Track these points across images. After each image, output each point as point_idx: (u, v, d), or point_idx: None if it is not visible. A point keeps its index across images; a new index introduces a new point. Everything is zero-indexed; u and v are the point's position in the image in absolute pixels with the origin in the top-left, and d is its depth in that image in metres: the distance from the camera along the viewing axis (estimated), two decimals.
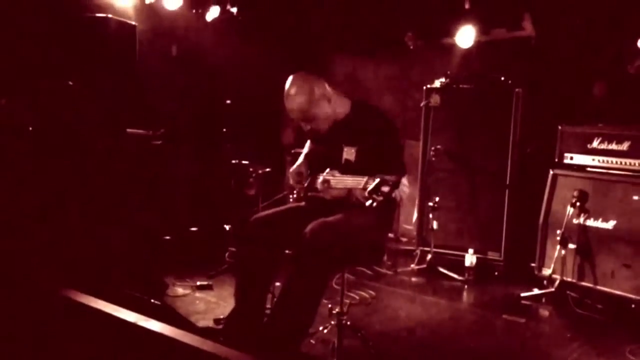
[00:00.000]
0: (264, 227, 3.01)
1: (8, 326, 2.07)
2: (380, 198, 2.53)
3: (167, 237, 4.97)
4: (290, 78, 3.01)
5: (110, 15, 4.30)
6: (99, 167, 4.11)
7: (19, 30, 4.22)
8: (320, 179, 2.90)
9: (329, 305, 3.24)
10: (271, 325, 2.82)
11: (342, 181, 2.76)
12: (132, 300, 2.15)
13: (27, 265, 3.02)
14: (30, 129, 4.06)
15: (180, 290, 4.19)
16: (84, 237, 3.83)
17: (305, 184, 3.16)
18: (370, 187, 2.54)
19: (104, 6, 4.58)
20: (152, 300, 2.81)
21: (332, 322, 3.18)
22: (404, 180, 2.74)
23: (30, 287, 2.23)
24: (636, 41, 4.87)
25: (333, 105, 3.03)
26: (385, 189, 2.52)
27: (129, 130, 4.55)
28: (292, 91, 2.97)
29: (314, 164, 3.16)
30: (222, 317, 3.50)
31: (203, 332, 2.30)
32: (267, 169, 4.64)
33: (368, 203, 2.57)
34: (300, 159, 3.30)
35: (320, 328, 3.27)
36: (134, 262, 4.03)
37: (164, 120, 5.13)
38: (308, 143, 3.41)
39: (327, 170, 2.94)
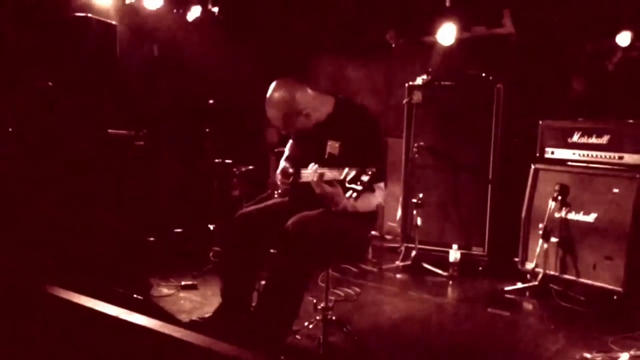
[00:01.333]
0: (249, 222, 3.01)
1: None
2: (360, 187, 2.53)
3: (151, 239, 4.94)
4: (273, 85, 3.01)
5: (90, 15, 4.26)
6: (80, 168, 4.08)
7: None
8: (309, 171, 2.90)
9: (314, 301, 3.24)
10: (255, 319, 2.81)
11: (324, 174, 2.77)
12: (114, 296, 2.13)
13: (11, 264, 3.00)
14: (10, 130, 4.03)
15: (164, 290, 4.17)
16: (67, 238, 3.80)
17: (290, 180, 3.16)
18: (350, 177, 2.55)
19: (84, 6, 4.54)
20: (135, 296, 2.79)
21: (318, 317, 3.18)
22: (381, 185, 2.77)
23: (14, 285, 2.21)
24: (614, 37, 4.94)
25: (315, 111, 3.02)
26: (365, 178, 2.52)
27: (110, 130, 4.52)
28: (273, 99, 2.98)
29: (298, 160, 3.17)
30: (207, 315, 3.47)
31: (187, 326, 2.29)
32: (250, 167, 4.63)
33: (348, 194, 2.58)
34: (282, 162, 3.30)
35: (306, 324, 3.27)
36: (117, 263, 3.99)
37: (146, 121, 5.10)
38: (289, 144, 3.41)
39: (312, 164, 2.96)
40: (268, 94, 3.00)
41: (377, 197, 2.90)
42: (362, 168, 2.54)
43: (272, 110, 2.99)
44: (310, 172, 2.87)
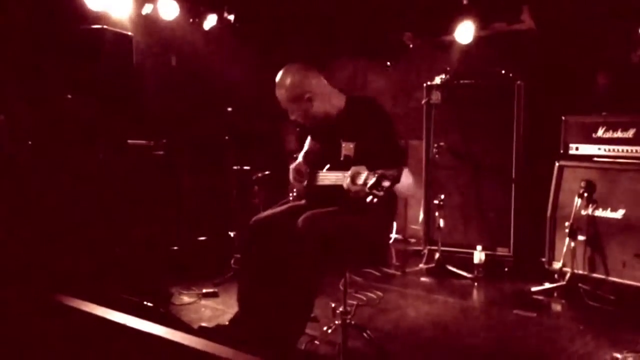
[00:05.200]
0: (263, 228, 2.98)
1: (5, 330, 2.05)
2: (381, 193, 2.48)
3: (175, 248, 4.96)
4: (284, 68, 3.01)
5: (106, 27, 4.30)
6: (101, 178, 4.11)
7: (15, 45, 4.23)
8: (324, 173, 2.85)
9: (333, 305, 3.19)
10: (267, 323, 2.78)
11: (341, 178, 2.73)
12: (124, 304, 2.12)
13: (29, 274, 3.02)
14: (30, 142, 4.08)
15: (185, 299, 4.16)
16: (88, 248, 3.82)
17: (305, 182, 3.13)
18: (371, 182, 2.49)
19: (100, 18, 4.58)
20: (145, 303, 2.78)
21: (337, 322, 3.13)
22: (406, 171, 2.68)
23: (28, 294, 2.22)
24: (637, 29, 4.81)
25: (325, 99, 3.01)
26: (386, 183, 2.47)
27: (130, 141, 4.56)
28: (282, 81, 2.98)
29: (314, 162, 3.14)
30: (224, 323, 3.45)
31: (196, 333, 2.27)
32: (267, 172, 4.61)
33: (369, 199, 2.52)
34: (300, 157, 3.27)
35: (325, 328, 3.22)
36: (138, 273, 4.01)
37: (166, 130, 5.13)
38: (308, 140, 3.38)
39: (327, 166, 2.93)
40: (279, 75, 2.99)
41: (405, 185, 2.79)
42: (383, 173, 2.48)
43: (280, 90, 2.99)
44: (326, 175, 2.85)
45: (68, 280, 2.89)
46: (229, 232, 5.05)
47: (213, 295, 4.23)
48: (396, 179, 2.48)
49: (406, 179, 2.73)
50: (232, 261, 4.69)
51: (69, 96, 4.18)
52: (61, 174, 4.02)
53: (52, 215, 3.84)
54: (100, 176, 4.12)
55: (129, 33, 4.50)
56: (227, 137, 5.19)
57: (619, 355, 3.18)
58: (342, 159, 2.94)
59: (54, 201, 3.85)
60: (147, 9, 5.01)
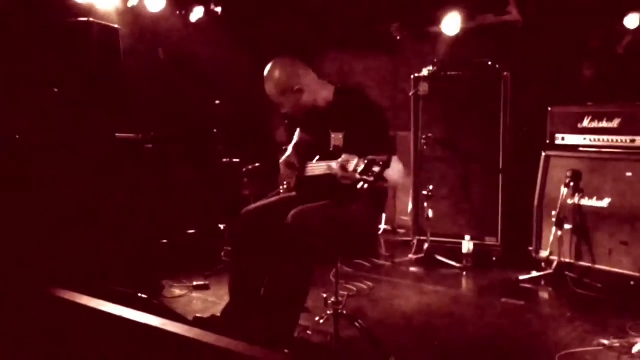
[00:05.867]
0: (254, 219, 2.99)
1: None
2: (372, 179, 2.48)
3: (164, 241, 4.94)
4: (272, 61, 3.02)
5: (92, 19, 4.26)
6: (89, 172, 4.09)
7: None
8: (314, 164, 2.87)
9: (325, 296, 3.21)
10: (261, 315, 2.80)
11: (331, 167, 2.74)
12: (118, 296, 2.12)
13: (22, 268, 3.01)
14: (17, 137, 4.04)
15: (177, 292, 4.17)
16: (78, 241, 3.81)
17: (296, 174, 3.14)
18: (361, 168, 2.50)
19: (86, 10, 4.55)
20: (140, 295, 2.78)
21: (329, 312, 3.15)
22: (395, 158, 2.70)
23: (25, 288, 2.22)
24: (622, 20, 4.86)
25: (314, 90, 3.03)
26: (376, 169, 2.48)
27: (118, 134, 4.53)
28: (270, 74, 2.99)
29: (304, 153, 3.15)
30: (209, 316, 3.46)
31: (192, 323, 2.28)
32: (257, 164, 4.62)
33: (360, 185, 2.53)
34: (290, 150, 3.28)
35: (317, 319, 3.25)
36: (128, 266, 4.00)
37: (154, 123, 5.11)
38: (297, 132, 3.39)
39: (317, 157, 2.94)
40: (266, 69, 3.00)
41: (395, 171, 2.80)
42: (373, 158, 2.49)
43: (268, 84, 3.01)
44: (316, 165, 2.86)
45: (59, 274, 2.89)
46: (219, 225, 5.05)
47: (204, 287, 4.23)
48: (386, 164, 2.48)
49: (396, 165, 2.74)
50: (223, 253, 4.70)
51: (56, 90, 4.15)
52: (48, 168, 3.99)
53: (40, 210, 3.82)
54: (88, 170, 4.10)
55: (116, 26, 4.48)
56: (215, 130, 5.19)
57: (606, 342, 3.23)
58: (331, 149, 2.95)
59: (41, 196, 3.83)
60: (133, 1, 4.98)
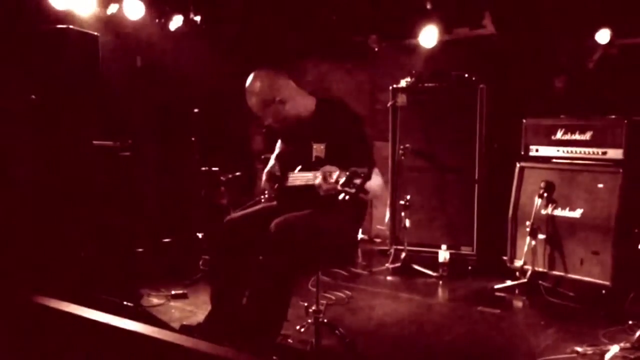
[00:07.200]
0: (236, 228, 3.00)
1: None
2: (353, 191, 2.53)
3: (140, 250, 4.91)
4: (252, 74, 3.04)
5: (71, 26, 4.23)
6: (66, 179, 4.05)
7: None
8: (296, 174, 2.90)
9: (305, 305, 3.23)
10: (243, 323, 2.81)
11: (312, 178, 2.77)
12: (104, 304, 2.12)
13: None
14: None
15: (155, 300, 4.15)
16: (55, 250, 3.76)
17: (277, 184, 3.17)
18: (342, 180, 2.54)
19: (64, 17, 4.51)
20: (125, 303, 2.77)
21: (309, 321, 3.17)
22: (376, 170, 2.75)
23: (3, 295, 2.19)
24: (593, 36, 5.00)
25: (296, 101, 3.06)
26: (358, 181, 2.52)
27: (95, 142, 4.49)
28: (251, 87, 3.02)
29: (286, 163, 3.17)
30: (196, 324, 3.46)
31: (179, 331, 2.28)
32: (237, 173, 4.63)
33: (341, 197, 2.57)
34: (272, 161, 3.30)
35: (298, 327, 3.27)
36: (106, 274, 3.96)
37: (132, 131, 5.08)
38: (279, 144, 3.41)
39: (299, 168, 2.97)
40: (247, 82, 3.02)
41: (376, 184, 2.84)
42: (354, 171, 2.53)
43: (250, 96, 3.03)
44: (297, 175, 2.89)
45: (40, 283, 2.86)
46: (197, 234, 5.04)
47: (182, 296, 4.22)
48: (367, 177, 2.54)
49: (377, 177, 2.80)
50: (201, 262, 4.69)
51: (33, 97, 4.11)
52: (24, 174, 3.95)
53: (16, 217, 3.77)
54: (67, 176, 4.06)
55: (95, 33, 4.45)
56: (193, 138, 5.19)
57: (579, 349, 3.30)
58: (313, 160, 2.99)
59: (17, 203, 3.78)
60: (112, 8, 4.95)
